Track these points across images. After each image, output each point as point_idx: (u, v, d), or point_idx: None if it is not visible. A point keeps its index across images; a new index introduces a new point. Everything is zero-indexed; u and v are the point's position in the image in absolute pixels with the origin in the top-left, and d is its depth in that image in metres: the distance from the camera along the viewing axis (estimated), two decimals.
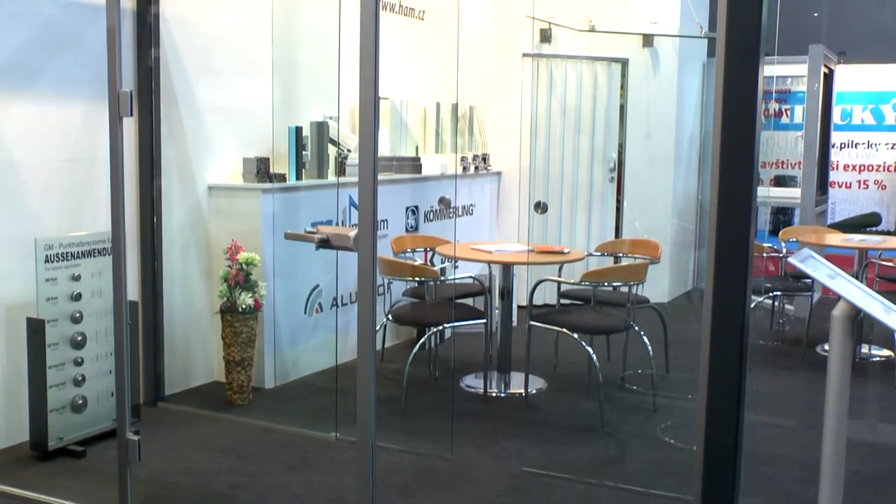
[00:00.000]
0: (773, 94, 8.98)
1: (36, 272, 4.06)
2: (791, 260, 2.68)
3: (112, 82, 3.30)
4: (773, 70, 8.47)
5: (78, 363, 4.24)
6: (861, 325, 6.08)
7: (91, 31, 4.38)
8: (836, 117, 9.02)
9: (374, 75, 2.79)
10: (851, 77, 9.17)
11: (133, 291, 4.76)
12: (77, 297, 4.22)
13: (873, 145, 9.25)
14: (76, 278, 4.22)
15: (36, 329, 4.05)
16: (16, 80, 4.15)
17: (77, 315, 4.22)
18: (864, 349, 6.30)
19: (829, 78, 8.14)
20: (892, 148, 9.17)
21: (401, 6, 6.75)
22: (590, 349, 4.98)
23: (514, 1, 7.48)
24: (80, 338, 4.23)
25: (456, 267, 6.10)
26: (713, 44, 2.51)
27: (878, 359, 6.27)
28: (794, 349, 6.49)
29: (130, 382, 3.40)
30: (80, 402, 4.25)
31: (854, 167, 9.35)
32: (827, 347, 3.08)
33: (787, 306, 7.27)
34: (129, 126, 4.73)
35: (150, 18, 4.73)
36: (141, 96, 4.74)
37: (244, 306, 4.86)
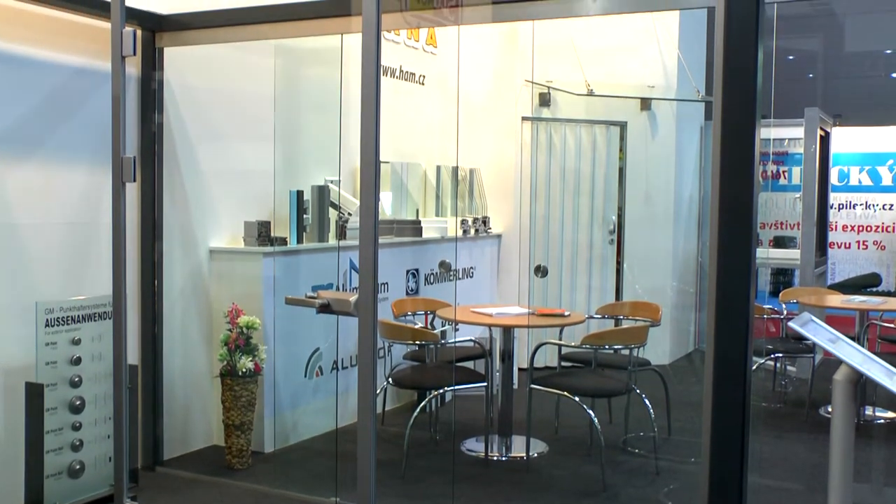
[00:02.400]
0: (771, 156, 9.05)
1: (36, 336, 4.05)
2: (792, 324, 2.68)
3: (116, 149, 3.34)
4: (769, 132, 8.56)
5: (76, 428, 4.21)
6: (864, 387, 6.04)
7: (95, 97, 4.44)
8: (833, 178, 9.08)
9: (375, 139, 2.83)
10: (847, 139, 9.25)
11: (133, 355, 4.74)
12: (77, 362, 4.21)
13: (871, 206, 9.30)
14: (76, 342, 4.21)
15: (35, 393, 4.03)
16: (21, 146, 4.19)
17: (76, 379, 4.21)
18: (868, 411, 6.25)
19: (825, 140, 8.22)
20: (889, 209, 9.21)
21: (402, 71, 6.85)
22: (591, 412, 4.94)
23: (512, 66, 7.59)
24: (78, 402, 4.21)
25: (456, 330, 6.09)
26: (710, 107, 2.55)
27: (882, 420, 6.22)
28: (797, 411, 6.45)
29: (129, 447, 3.37)
30: (78, 467, 4.21)
31: (853, 228, 9.38)
32: (830, 409, 3.07)
33: (788, 368, 7.24)
34: (132, 190, 4.76)
35: (154, 85, 4.80)
36: (144, 161, 4.79)
37: (244, 370, 4.84)
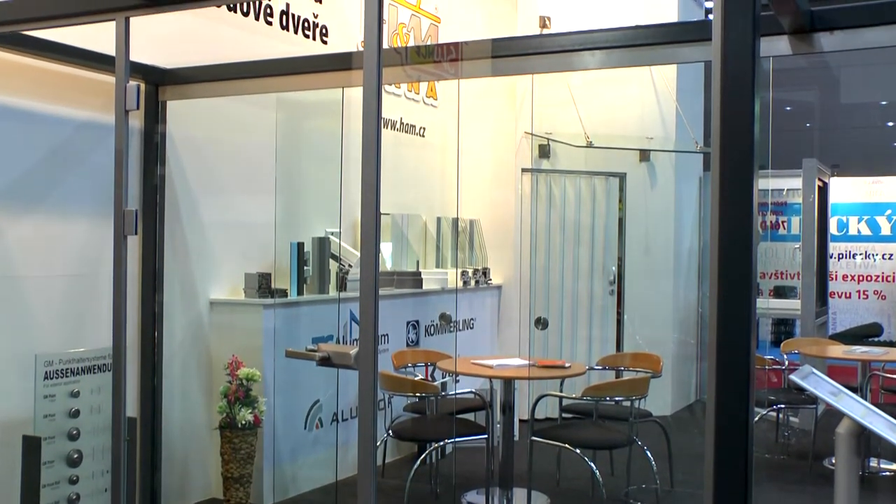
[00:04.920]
0: (770, 206, 9.09)
1: (35, 388, 4.03)
2: (793, 378, 2.68)
3: (118, 202, 3.35)
4: (768, 183, 8.61)
5: (73, 481, 4.17)
6: (868, 439, 5.99)
7: (98, 150, 4.46)
8: (832, 228, 9.11)
9: (375, 191, 2.84)
10: (846, 189, 9.31)
11: (132, 407, 4.72)
12: (75, 414, 4.18)
13: (871, 255, 9.32)
14: (75, 395, 4.19)
15: (32, 447, 4.00)
16: (24, 198, 4.22)
17: (74, 432, 4.17)
18: (873, 463, 6.19)
19: (823, 190, 8.26)
20: (889, 258, 9.22)
21: (402, 123, 6.90)
22: (592, 464, 4.90)
23: (512, 118, 7.65)
24: (76, 455, 4.17)
25: (457, 381, 6.06)
26: (709, 158, 2.56)
27: (887, 473, 6.16)
28: (800, 463, 6.39)
29: (126, 500, 3.34)
30: None
31: (853, 277, 9.39)
32: (834, 461, 3.04)
33: (791, 419, 7.19)
34: (133, 242, 4.75)
35: (156, 138, 4.83)
36: (145, 213, 4.80)
37: (244, 422, 4.81)
